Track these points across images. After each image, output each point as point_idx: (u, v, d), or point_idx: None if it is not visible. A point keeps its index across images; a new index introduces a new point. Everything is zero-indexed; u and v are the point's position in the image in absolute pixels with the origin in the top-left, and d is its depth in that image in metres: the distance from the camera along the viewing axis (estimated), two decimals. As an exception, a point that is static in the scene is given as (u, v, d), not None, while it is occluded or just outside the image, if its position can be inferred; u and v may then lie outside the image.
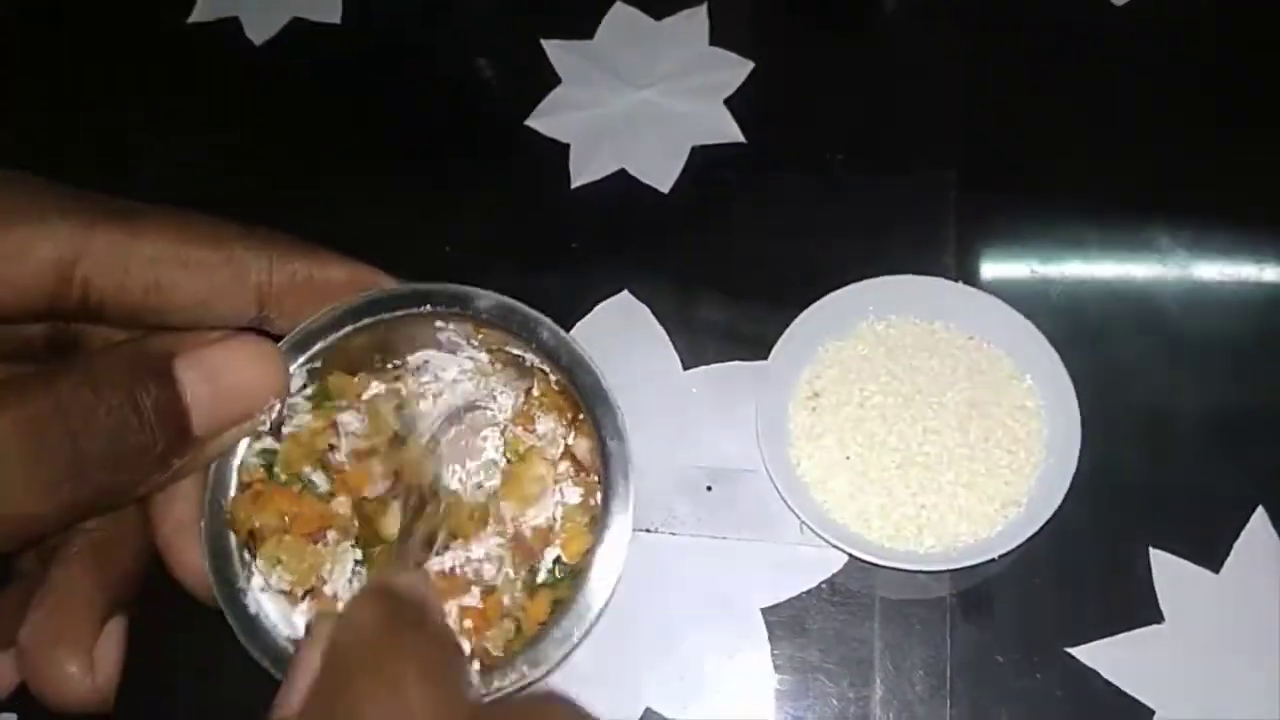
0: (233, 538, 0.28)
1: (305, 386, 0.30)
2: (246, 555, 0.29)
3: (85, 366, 0.24)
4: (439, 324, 0.30)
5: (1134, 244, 0.48)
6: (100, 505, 0.26)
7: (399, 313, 0.30)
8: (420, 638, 0.23)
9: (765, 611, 0.42)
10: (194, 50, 0.56)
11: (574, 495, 0.31)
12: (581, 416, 0.31)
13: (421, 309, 0.30)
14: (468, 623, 0.29)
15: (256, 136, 0.54)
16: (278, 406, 0.28)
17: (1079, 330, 0.46)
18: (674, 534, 0.43)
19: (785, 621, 0.42)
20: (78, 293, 0.25)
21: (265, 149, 0.54)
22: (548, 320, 0.30)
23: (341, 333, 0.29)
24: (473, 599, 0.30)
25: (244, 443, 0.29)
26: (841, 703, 0.40)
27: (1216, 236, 0.48)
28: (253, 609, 0.28)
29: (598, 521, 0.29)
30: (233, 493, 0.29)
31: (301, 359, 0.29)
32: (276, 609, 0.29)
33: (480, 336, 0.31)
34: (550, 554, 0.30)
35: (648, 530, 0.43)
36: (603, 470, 0.30)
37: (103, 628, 0.27)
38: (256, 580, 0.29)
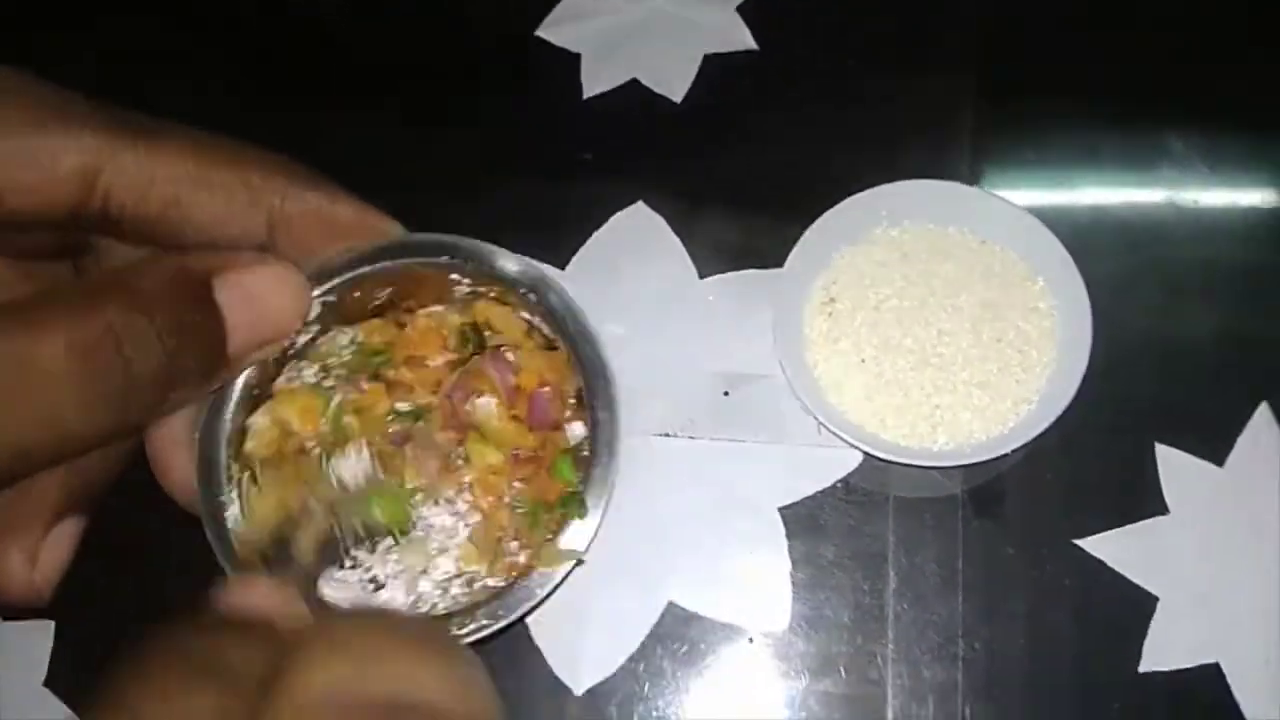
0: (224, 454, 0.29)
1: (317, 319, 0.30)
2: (234, 469, 0.29)
3: (130, 286, 0.24)
4: (454, 276, 0.31)
5: (1148, 151, 0.48)
6: (139, 425, 0.26)
7: (415, 260, 0.30)
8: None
9: (783, 510, 0.43)
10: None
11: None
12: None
13: (439, 260, 0.30)
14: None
15: (268, 58, 0.53)
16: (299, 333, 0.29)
17: (1092, 235, 0.46)
18: (693, 438, 0.44)
19: (802, 519, 0.43)
20: (99, 204, 0.25)
21: (277, 70, 0.53)
22: (559, 285, 0.31)
23: (357, 272, 0.30)
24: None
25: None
26: (856, 594, 0.42)
27: (1231, 143, 0.48)
28: (231, 524, 0.29)
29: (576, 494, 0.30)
30: (231, 410, 0.29)
31: (319, 290, 0.29)
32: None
33: (494, 293, 0.31)
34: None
35: (668, 435, 0.44)
36: (591, 442, 0.30)
37: (55, 525, 0.27)
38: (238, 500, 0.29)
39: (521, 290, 0.31)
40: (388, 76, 0.52)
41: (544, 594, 0.30)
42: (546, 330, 0.32)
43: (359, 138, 0.50)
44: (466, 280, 0.31)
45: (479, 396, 0.32)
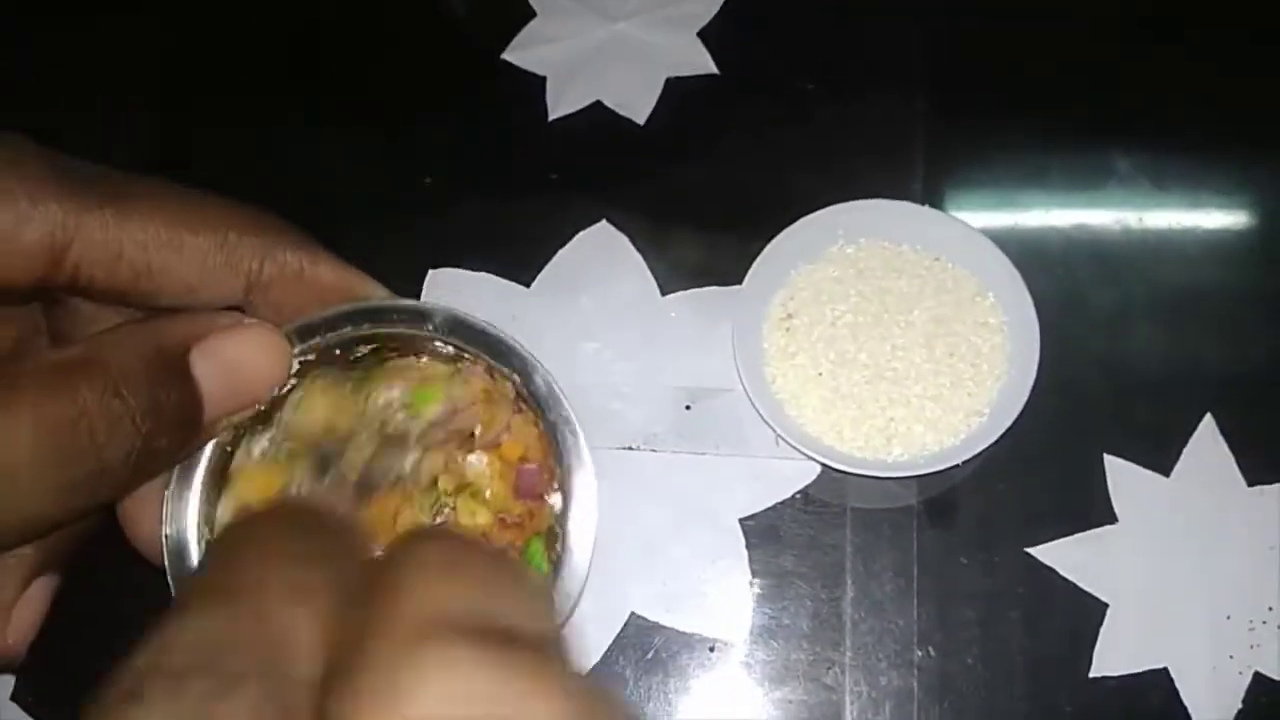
0: (192, 514, 0.29)
1: (295, 375, 0.30)
2: (204, 531, 0.29)
3: (104, 363, 0.23)
4: (438, 343, 0.31)
5: (1095, 171, 0.50)
6: (110, 503, 0.26)
7: (399, 328, 0.30)
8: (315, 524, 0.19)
9: (743, 521, 0.44)
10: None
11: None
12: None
13: (422, 329, 0.30)
14: None
15: (237, 75, 0.54)
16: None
17: (1041, 251, 0.48)
18: (655, 451, 0.45)
19: (762, 530, 0.44)
20: (68, 274, 0.24)
21: (246, 87, 0.54)
22: (542, 365, 0.31)
23: (339, 332, 0.30)
24: None
25: None
26: (815, 603, 0.43)
27: (1176, 162, 0.50)
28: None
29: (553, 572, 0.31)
30: (201, 470, 0.29)
31: (298, 348, 0.29)
32: None
33: (480, 364, 0.31)
34: None
35: (630, 448, 0.45)
36: (562, 536, 0.31)
37: (29, 585, 0.26)
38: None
39: (506, 371, 0.31)
40: (357, 94, 0.53)
41: None
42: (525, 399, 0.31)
43: (328, 153, 0.51)
44: (449, 348, 0.31)
45: (470, 453, 0.31)
